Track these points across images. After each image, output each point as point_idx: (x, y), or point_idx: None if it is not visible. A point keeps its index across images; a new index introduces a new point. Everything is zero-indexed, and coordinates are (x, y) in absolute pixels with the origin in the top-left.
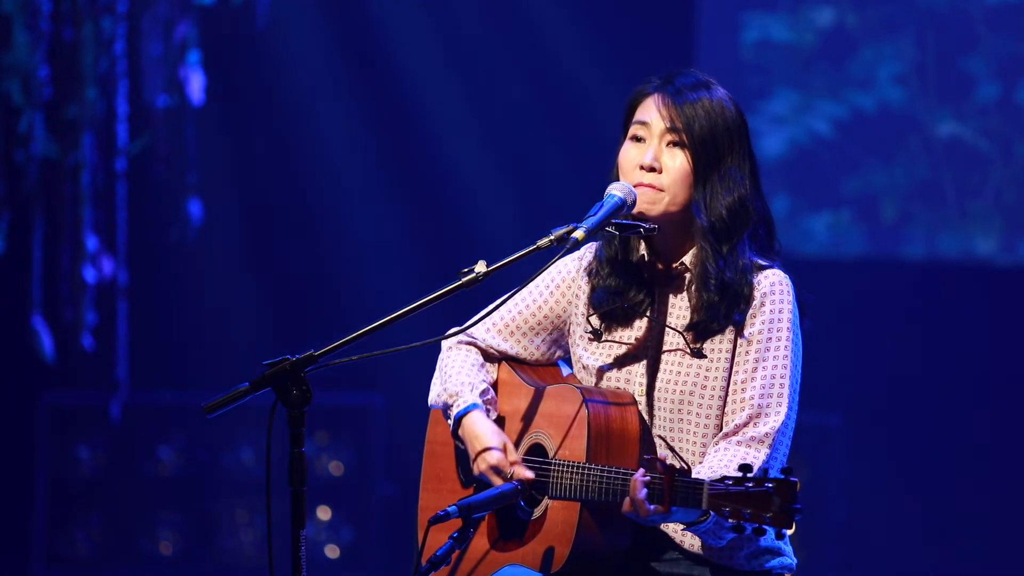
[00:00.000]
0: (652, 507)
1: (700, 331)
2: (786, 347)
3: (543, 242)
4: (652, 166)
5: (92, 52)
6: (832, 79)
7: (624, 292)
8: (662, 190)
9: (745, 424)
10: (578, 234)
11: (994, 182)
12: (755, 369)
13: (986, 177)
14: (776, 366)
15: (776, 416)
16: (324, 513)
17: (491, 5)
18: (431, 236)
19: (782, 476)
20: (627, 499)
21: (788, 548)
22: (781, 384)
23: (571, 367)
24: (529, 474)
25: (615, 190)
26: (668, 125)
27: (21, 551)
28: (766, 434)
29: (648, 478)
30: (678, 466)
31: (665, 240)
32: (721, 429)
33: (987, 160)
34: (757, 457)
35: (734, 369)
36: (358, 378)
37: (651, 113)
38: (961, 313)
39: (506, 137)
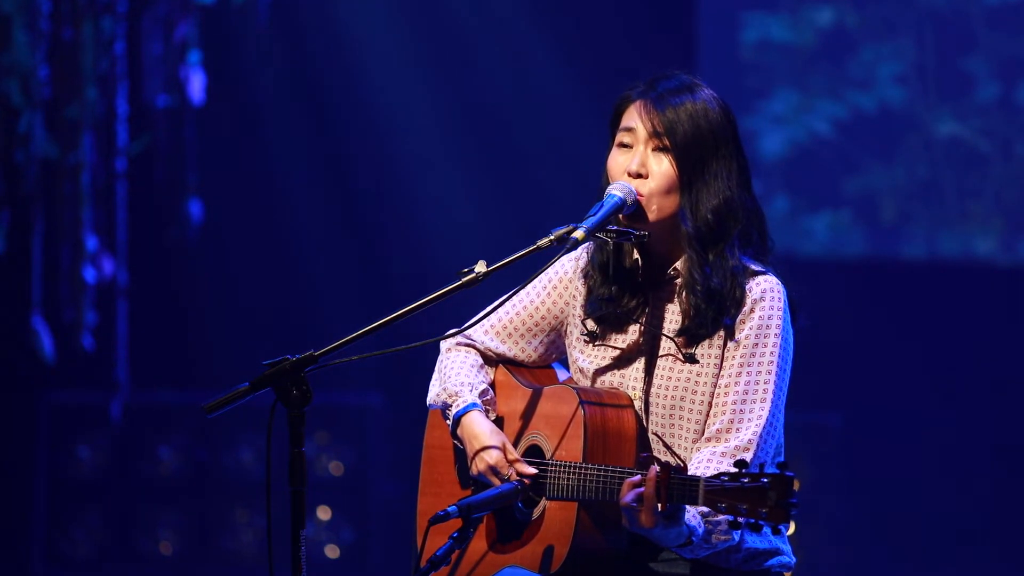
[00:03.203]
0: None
1: (690, 336)
2: (772, 353)
3: (543, 242)
4: (639, 172)
5: (92, 52)
6: (832, 79)
7: (617, 298)
8: (648, 197)
9: (727, 429)
10: (578, 234)
11: (994, 182)
12: (739, 374)
13: (986, 177)
14: (760, 372)
15: (758, 422)
16: (324, 513)
17: (491, 5)
18: (432, 236)
19: (778, 471)
20: (624, 503)
21: (787, 547)
22: (764, 390)
23: (567, 370)
24: (531, 470)
25: (615, 190)
26: (651, 131)
27: (21, 551)
28: (750, 440)
29: (639, 478)
30: (674, 464)
31: (658, 246)
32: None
33: (987, 160)
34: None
35: (721, 373)
36: (358, 378)
37: (635, 119)
38: (961, 313)
39: (506, 138)
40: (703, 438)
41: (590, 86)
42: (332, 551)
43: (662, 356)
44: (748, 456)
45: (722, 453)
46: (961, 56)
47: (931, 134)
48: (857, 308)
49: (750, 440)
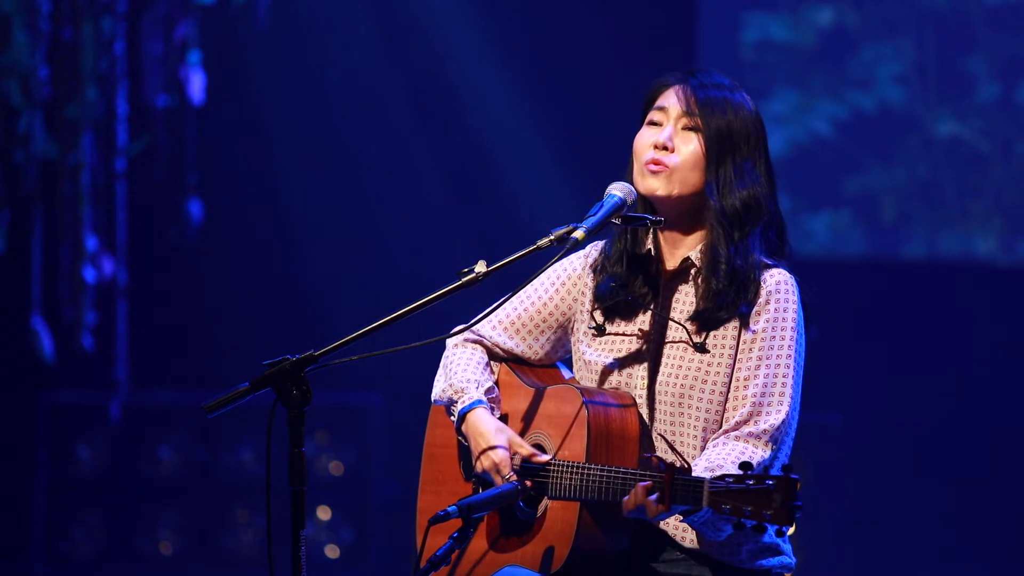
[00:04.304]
0: (656, 506)
1: (705, 321)
2: (789, 346)
3: (543, 242)
4: (665, 145)
5: (92, 52)
6: (832, 79)
7: (630, 284)
8: (672, 169)
9: (745, 421)
10: (578, 234)
11: (994, 182)
12: (757, 367)
13: (986, 177)
14: (779, 364)
15: (777, 414)
16: (324, 513)
17: (492, 6)
18: (432, 236)
19: (782, 473)
20: (630, 500)
21: (788, 547)
22: (783, 383)
23: (571, 369)
24: (544, 457)
25: (615, 190)
26: (685, 109)
27: (21, 551)
28: (764, 431)
29: (650, 483)
30: (678, 464)
31: (673, 231)
32: (721, 424)
33: (987, 160)
34: (756, 454)
35: (736, 366)
36: (358, 378)
37: (670, 99)
38: (961, 313)
39: (505, 138)
40: (720, 430)
41: (591, 86)
42: (332, 551)
43: (672, 344)
44: (763, 446)
45: (736, 437)
46: (961, 56)
47: (931, 134)
48: (857, 308)
49: (765, 431)
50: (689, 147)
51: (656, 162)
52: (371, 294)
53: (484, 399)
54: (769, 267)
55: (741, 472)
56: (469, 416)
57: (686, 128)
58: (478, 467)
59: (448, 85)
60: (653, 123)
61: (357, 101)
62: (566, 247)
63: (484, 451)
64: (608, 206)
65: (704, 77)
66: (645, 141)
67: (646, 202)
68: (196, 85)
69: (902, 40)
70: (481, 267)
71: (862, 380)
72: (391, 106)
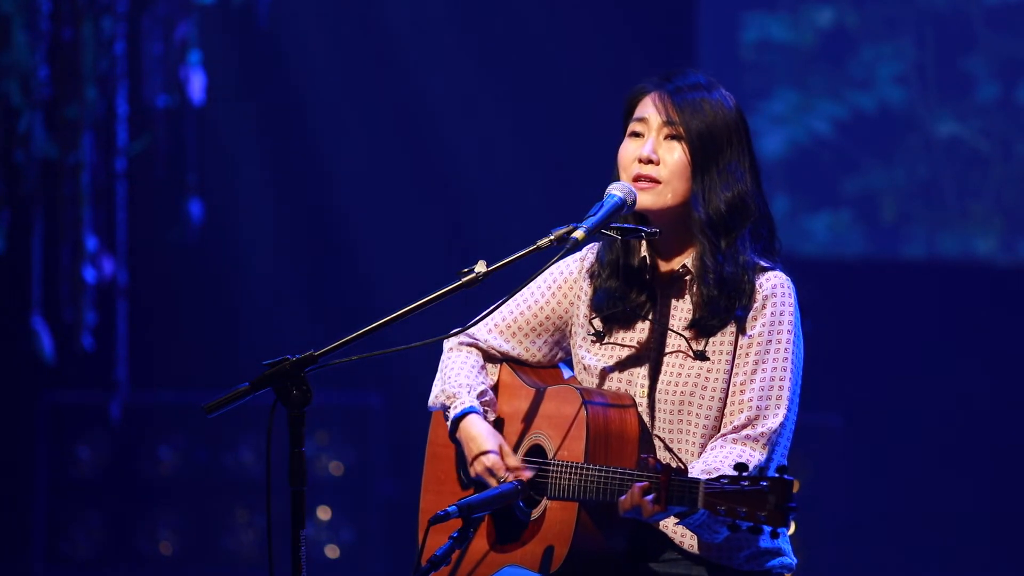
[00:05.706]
0: (652, 506)
1: (701, 328)
2: (786, 349)
3: (543, 242)
4: (650, 158)
5: (92, 52)
6: (832, 79)
7: (626, 295)
8: (660, 182)
9: (744, 425)
10: (578, 234)
11: (994, 182)
12: (754, 371)
13: (986, 177)
14: (776, 368)
15: (774, 418)
16: (324, 513)
17: (490, 5)
18: (432, 236)
19: (777, 475)
20: (627, 500)
21: (788, 548)
22: (780, 387)
23: (572, 369)
24: (527, 474)
25: (615, 190)
26: (665, 119)
27: (21, 551)
28: (762, 434)
29: (646, 484)
30: (675, 466)
31: (666, 240)
32: (720, 429)
33: (987, 160)
34: (753, 456)
35: (734, 370)
36: (358, 378)
37: (649, 109)
38: (961, 313)
39: (505, 139)
40: (719, 434)
41: (591, 86)
42: (332, 551)
43: (671, 353)
44: (761, 449)
45: (734, 440)
46: (961, 56)
47: (931, 134)
48: (857, 308)
49: (763, 434)
50: (674, 156)
51: (644, 177)
52: (371, 294)
53: (477, 404)
54: (765, 269)
55: (736, 473)
56: (462, 422)
57: (668, 137)
58: (472, 472)
59: (448, 85)
60: (635, 134)
61: (358, 101)
62: (566, 247)
63: (477, 456)
64: (608, 206)
65: (680, 80)
66: (629, 154)
67: (637, 213)
68: (196, 85)
69: (902, 40)
70: (481, 267)
71: (862, 380)
72: (392, 106)
